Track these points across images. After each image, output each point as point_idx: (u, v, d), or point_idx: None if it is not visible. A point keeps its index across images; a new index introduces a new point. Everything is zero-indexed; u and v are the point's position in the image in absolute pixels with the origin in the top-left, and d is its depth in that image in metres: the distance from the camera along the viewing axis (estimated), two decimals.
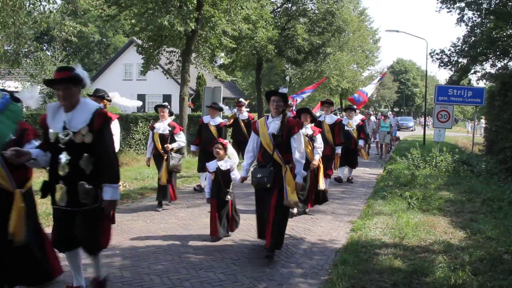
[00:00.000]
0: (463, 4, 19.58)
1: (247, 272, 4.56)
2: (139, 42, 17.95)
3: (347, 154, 10.10)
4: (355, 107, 11.39)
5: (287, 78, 32.60)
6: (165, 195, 7.33)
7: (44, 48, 38.11)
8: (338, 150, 8.58)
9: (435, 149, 12.90)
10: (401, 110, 76.07)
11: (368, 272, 4.51)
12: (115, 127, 5.66)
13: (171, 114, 7.47)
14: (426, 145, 19.90)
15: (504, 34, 19.37)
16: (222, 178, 5.57)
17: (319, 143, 6.92)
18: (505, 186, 8.98)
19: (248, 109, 10.99)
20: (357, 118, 11.83)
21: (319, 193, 7.25)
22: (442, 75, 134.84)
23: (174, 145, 7.29)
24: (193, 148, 9.22)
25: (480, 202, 7.80)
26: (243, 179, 5.26)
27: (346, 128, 10.21)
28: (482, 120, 27.60)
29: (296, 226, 6.42)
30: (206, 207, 6.95)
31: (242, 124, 10.35)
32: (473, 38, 19.81)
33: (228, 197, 5.57)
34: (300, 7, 25.02)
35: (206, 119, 8.92)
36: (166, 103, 7.58)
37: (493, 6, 18.74)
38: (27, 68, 19.29)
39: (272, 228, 4.82)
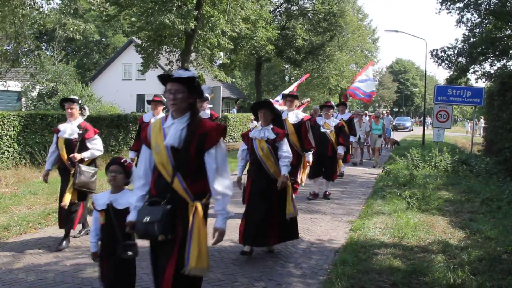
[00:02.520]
0: (462, 5, 19.62)
1: (246, 272, 4.56)
2: (139, 42, 17.96)
3: (323, 163, 8.31)
4: (333, 104, 9.02)
5: (287, 78, 32.63)
6: (67, 221, 5.26)
7: (44, 47, 38.12)
8: (309, 157, 6.74)
9: (434, 149, 12.92)
10: (401, 110, 76.17)
11: (367, 272, 4.51)
12: None
13: (82, 110, 5.52)
14: (426, 145, 19.91)
15: (503, 34, 19.41)
16: (118, 222, 3.37)
17: (285, 150, 4.99)
18: (504, 186, 8.99)
19: (208, 107, 8.25)
20: (345, 116, 10.65)
21: (289, 223, 5.08)
22: (442, 75, 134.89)
23: (85, 155, 5.30)
24: (131, 155, 6.79)
25: (479, 202, 7.81)
26: (130, 225, 3.07)
27: (322, 129, 8.33)
28: (482, 120, 27.65)
29: None
30: None
31: None
32: (472, 39, 19.84)
33: (129, 253, 3.41)
34: (301, 8, 25.08)
35: (147, 117, 6.77)
36: (76, 97, 5.62)
37: (492, 6, 18.77)
38: (27, 67, 19.31)
39: None
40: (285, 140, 5.03)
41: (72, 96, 5.64)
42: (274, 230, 4.94)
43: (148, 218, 2.84)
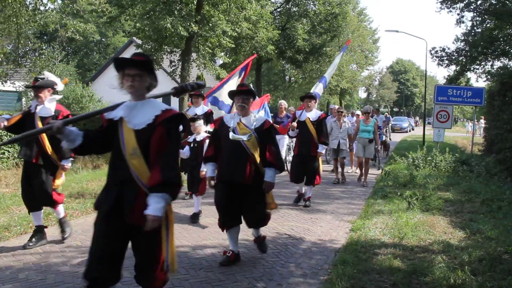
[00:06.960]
0: (462, 4, 19.62)
1: (246, 272, 4.55)
2: (139, 42, 17.98)
3: (240, 198, 4.55)
4: (252, 90, 4.78)
5: (287, 78, 32.64)
6: None
7: (44, 48, 38.12)
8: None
9: (435, 149, 12.91)
10: (401, 110, 76.21)
11: (367, 272, 4.51)
12: None
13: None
14: (426, 145, 19.89)
15: (504, 33, 19.41)
16: None
17: None
18: (504, 186, 9.01)
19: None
20: (312, 115, 7.43)
21: None
22: (442, 75, 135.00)
23: None
24: None
25: (479, 202, 7.81)
26: None
27: (232, 136, 4.52)
28: (482, 120, 27.64)
29: (295, 226, 6.43)
30: (205, 207, 6.95)
31: (39, 123, 4.95)
32: (472, 38, 19.85)
33: None
34: (301, 8, 25.11)
35: None
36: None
37: (493, 6, 18.77)
38: (30, 68, 19.29)
39: None
40: None
41: None
42: None
43: None
